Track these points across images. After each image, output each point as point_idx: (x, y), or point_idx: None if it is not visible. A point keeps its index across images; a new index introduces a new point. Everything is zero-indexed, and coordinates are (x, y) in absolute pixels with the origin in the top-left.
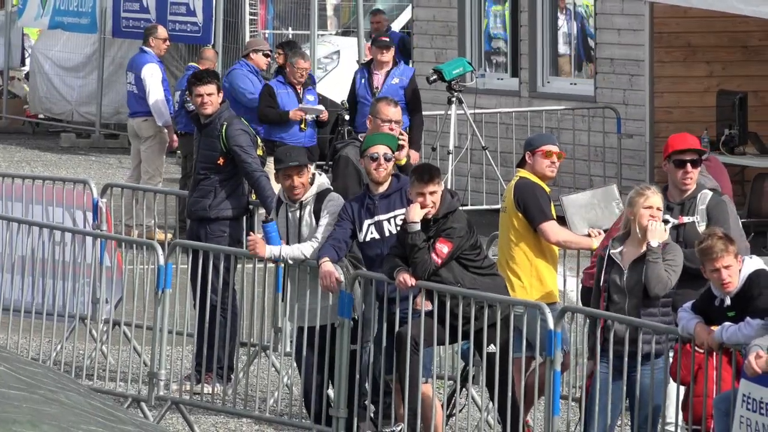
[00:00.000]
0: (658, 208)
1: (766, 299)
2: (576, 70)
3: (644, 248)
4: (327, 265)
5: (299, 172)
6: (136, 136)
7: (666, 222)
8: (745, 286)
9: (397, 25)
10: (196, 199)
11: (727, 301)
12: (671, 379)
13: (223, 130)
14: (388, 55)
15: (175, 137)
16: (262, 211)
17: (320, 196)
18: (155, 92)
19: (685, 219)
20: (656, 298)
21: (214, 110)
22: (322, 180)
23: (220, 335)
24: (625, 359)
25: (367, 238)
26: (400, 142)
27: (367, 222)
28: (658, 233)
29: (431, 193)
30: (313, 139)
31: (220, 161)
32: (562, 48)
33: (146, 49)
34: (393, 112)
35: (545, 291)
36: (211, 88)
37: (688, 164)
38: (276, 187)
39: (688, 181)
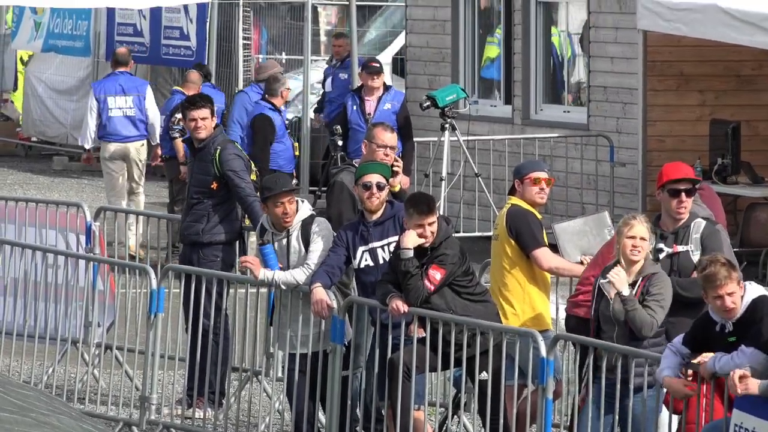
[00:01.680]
0: (641, 238)
1: (767, 324)
2: (569, 98)
3: (632, 278)
4: (319, 291)
5: (290, 199)
6: (125, 160)
7: (660, 251)
8: (747, 312)
9: (390, 51)
10: (189, 224)
11: (729, 327)
12: (664, 407)
13: (217, 155)
14: (379, 81)
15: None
16: (252, 239)
17: (306, 222)
18: (157, 114)
19: (680, 248)
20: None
21: (207, 134)
22: (306, 206)
23: (212, 360)
24: (618, 387)
25: (362, 265)
26: (395, 169)
27: (361, 249)
28: (620, 282)
29: (430, 224)
30: (293, 166)
31: (214, 185)
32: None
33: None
34: (389, 137)
35: (537, 318)
36: (204, 112)
37: (683, 194)
38: None
39: (683, 210)
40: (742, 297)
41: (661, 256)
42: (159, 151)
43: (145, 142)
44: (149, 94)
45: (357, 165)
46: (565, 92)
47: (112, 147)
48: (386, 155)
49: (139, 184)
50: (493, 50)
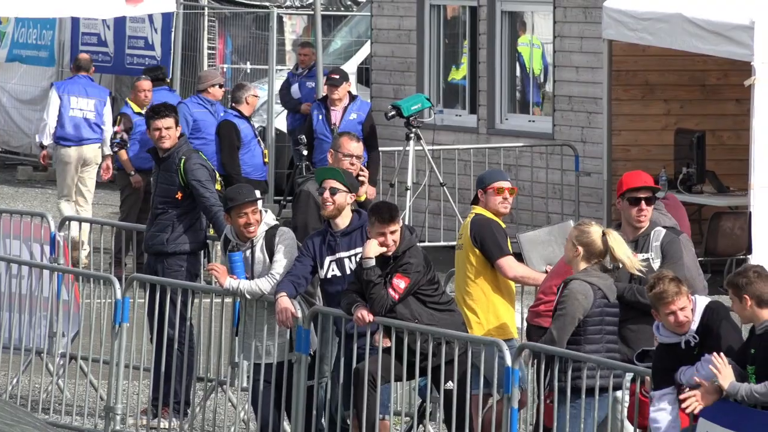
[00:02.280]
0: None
1: (725, 329)
2: (534, 108)
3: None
4: (284, 300)
5: (253, 209)
6: (79, 163)
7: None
8: (704, 319)
9: (355, 61)
10: (153, 234)
11: (693, 340)
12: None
13: (182, 164)
14: (340, 92)
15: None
16: (218, 249)
17: (270, 232)
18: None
19: (640, 256)
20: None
21: (172, 144)
22: (270, 216)
23: (177, 370)
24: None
25: (329, 275)
26: (360, 179)
27: (328, 258)
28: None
29: (392, 233)
30: (265, 174)
31: (179, 195)
32: (520, 85)
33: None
34: (355, 147)
35: (502, 327)
36: (168, 121)
37: (643, 202)
38: None
39: (642, 219)
40: (692, 310)
41: (621, 265)
42: (109, 162)
43: (101, 145)
44: (108, 102)
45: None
46: (530, 102)
47: (70, 151)
48: (352, 164)
49: (89, 189)
50: (459, 73)
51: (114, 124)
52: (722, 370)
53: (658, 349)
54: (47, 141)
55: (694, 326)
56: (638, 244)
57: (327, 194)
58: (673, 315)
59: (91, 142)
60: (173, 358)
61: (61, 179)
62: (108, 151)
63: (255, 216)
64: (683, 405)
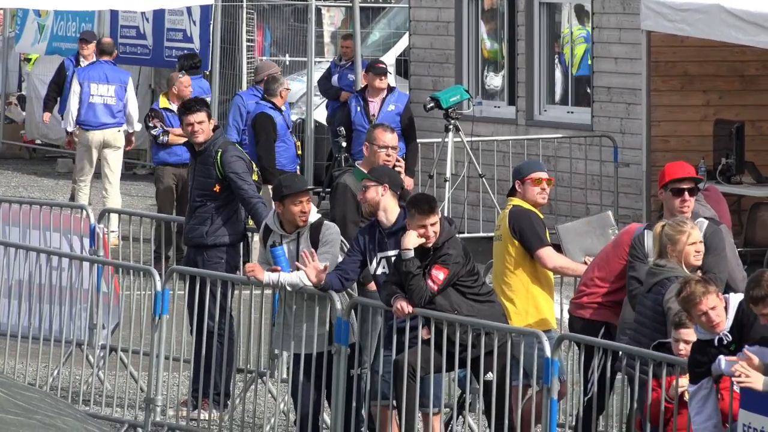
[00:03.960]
0: (700, 242)
1: (759, 323)
2: (573, 99)
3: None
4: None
5: (308, 198)
6: (102, 146)
7: None
8: (737, 316)
9: (394, 52)
10: (192, 226)
11: (726, 338)
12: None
13: (219, 157)
14: (385, 82)
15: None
16: (256, 240)
17: (314, 226)
18: (136, 104)
19: None
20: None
21: (206, 138)
22: (313, 209)
23: (217, 361)
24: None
25: (378, 272)
26: (397, 170)
27: (378, 255)
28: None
29: (432, 224)
30: (296, 165)
31: (216, 188)
32: (560, 76)
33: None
34: (389, 138)
35: (541, 318)
36: (200, 116)
37: (686, 192)
38: None
39: (686, 209)
40: (725, 308)
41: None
42: (133, 139)
43: (121, 129)
44: (131, 84)
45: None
46: (569, 93)
47: (90, 135)
48: (388, 156)
49: (114, 172)
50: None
51: (148, 119)
52: (751, 376)
53: (695, 344)
54: (71, 128)
55: (728, 324)
56: None
57: (360, 194)
58: (704, 315)
59: (111, 126)
60: (213, 350)
61: (79, 161)
62: (131, 129)
63: (309, 205)
64: (735, 376)
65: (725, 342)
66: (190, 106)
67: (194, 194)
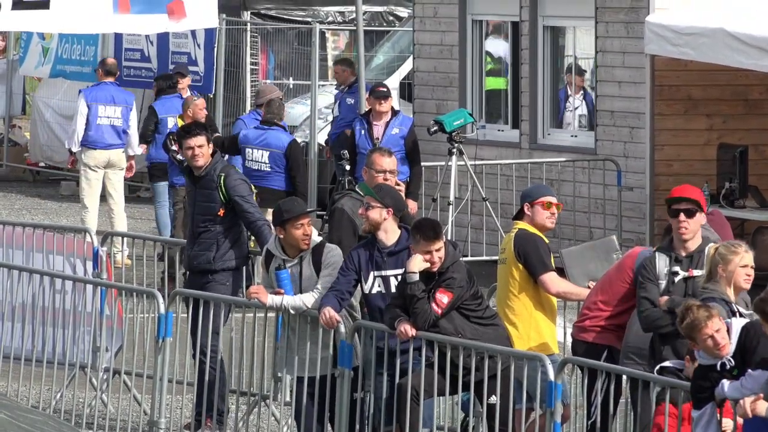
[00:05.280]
0: (752, 267)
1: (764, 345)
2: (577, 123)
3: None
4: (329, 311)
5: (308, 221)
6: (107, 166)
7: (675, 274)
8: (740, 340)
9: (398, 76)
10: (197, 253)
11: (729, 363)
12: None
13: (222, 181)
14: (387, 105)
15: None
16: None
17: (317, 249)
18: (136, 127)
19: (695, 272)
20: None
21: (205, 162)
22: (314, 232)
23: (211, 383)
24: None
25: (373, 291)
26: None
27: (373, 274)
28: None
29: (437, 250)
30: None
31: (221, 212)
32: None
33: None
34: (387, 162)
35: (542, 342)
36: (200, 139)
37: (681, 213)
38: None
39: (683, 230)
40: (728, 332)
41: (677, 279)
42: (133, 164)
43: (124, 149)
44: (134, 107)
45: (359, 190)
46: (572, 117)
47: (96, 154)
48: (386, 180)
49: (117, 191)
50: (498, 82)
51: (169, 142)
52: (756, 407)
53: (697, 370)
54: (75, 148)
55: (731, 348)
56: (693, 259)
57: (362, 209)
58: (710, 339)
59: (117, 147)
60: (217, 372)
61: (84, 181)
62: (132, 152)
63: (310, 228)
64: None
65: (728, 367)
66: (189, 129)
67: (197, 220)
